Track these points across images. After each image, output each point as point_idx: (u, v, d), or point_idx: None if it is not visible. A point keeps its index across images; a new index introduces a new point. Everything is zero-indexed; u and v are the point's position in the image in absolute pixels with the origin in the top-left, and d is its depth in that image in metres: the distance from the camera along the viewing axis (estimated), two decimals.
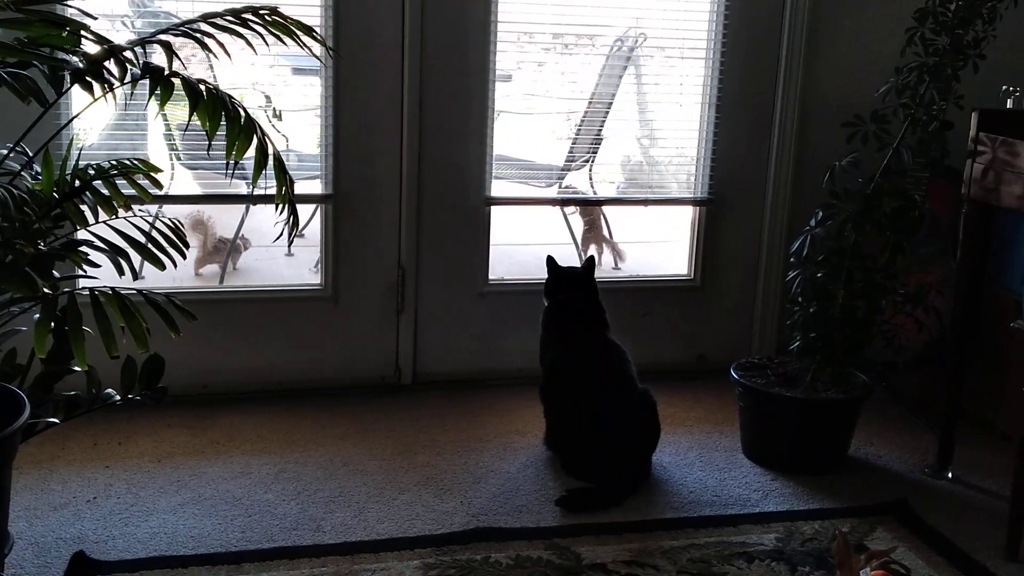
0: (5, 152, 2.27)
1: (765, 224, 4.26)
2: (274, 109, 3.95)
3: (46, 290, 1.95)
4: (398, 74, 3.79)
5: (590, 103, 4.78)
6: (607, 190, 4.98)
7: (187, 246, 2.25)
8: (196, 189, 4.45)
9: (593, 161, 4.94)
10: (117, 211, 2.13)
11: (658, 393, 3.62)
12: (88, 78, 1.91)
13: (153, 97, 1.86)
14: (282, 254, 5.43)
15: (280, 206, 2.21)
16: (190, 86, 1.96)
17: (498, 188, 4.24)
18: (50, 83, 2.04)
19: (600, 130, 4.85)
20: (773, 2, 4.09)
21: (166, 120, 4.39)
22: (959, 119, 3.42)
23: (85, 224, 2.08)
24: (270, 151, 2.10)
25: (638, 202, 4.45)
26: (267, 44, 2.12)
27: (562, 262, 3.64)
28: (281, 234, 2.29)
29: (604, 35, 4.53)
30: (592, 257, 3.68)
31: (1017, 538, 3.01)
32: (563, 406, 3.45)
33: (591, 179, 5.00)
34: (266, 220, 5.25)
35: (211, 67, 4.54)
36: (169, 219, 2.28)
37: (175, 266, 2.23)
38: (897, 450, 3.71)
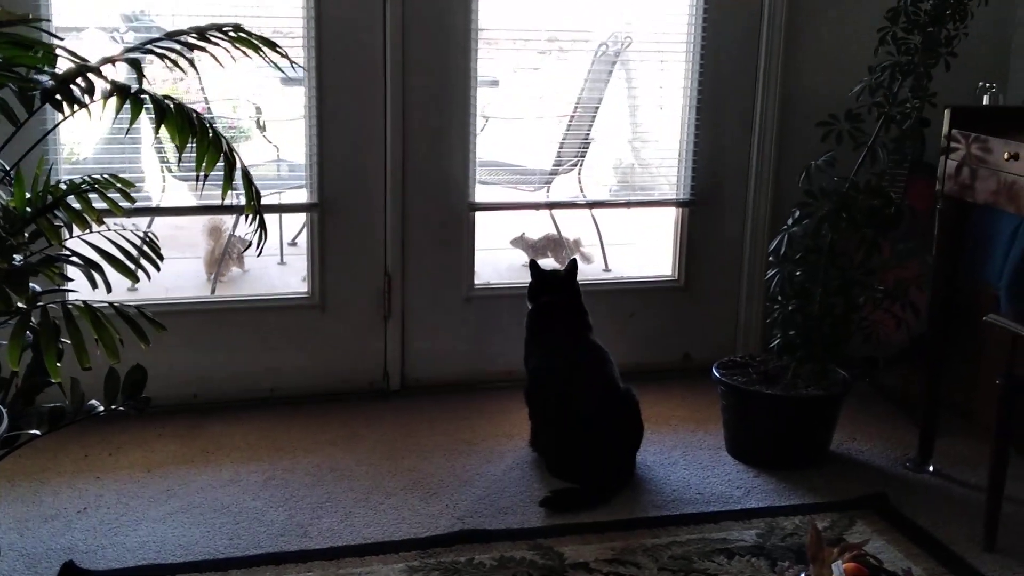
0: None
1: (747, 224, 4.30)
2: (257, 120, 3.99)
3: (20, 304, 2.00)
4: (381, 82, 3.83)
5: (576, 107, 4.83)
6: (600, 193, 5.01)
7: (162, 259, 2.29)
8: (191, 200, 4.50)
9: (582, 164, 4.98)
10: (90, 226, 2.18)
11: (644, 393, 3.67)
12: (58, 96, 1.95)
13: (118, 112, 1.91)
14: (275, 263, 5.48)
15: (249, 217, 2.26)
16: (157, 102, 2.01)
17: (484, 193, 4.29)
18: (21, 102, 2.09)
19: (588, 134, 4.89)
20: (752, 4, 4.12)
21: (157, 133, 4.44)
22: (932, 116, 3.47)
23: (59, 239, 2.12)
24: (237, 164, 2.14)
25: (621, 204, 4.50)
26: (234, 59, 2.17)
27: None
28: (250, 244, 2.33)
29: (588, 40, 4.57)
30: (574, 260, 3.72)
31: (994, 529, 3.05)
32: (547, 408, 3.49)
33: (580, 182, 5.04)
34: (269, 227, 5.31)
35: (199, 80, 4.61)
36: (143, 232, 2.33)
37: (148, 278, 2.27)
38: (879, 445, 3.74)
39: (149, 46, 2.13)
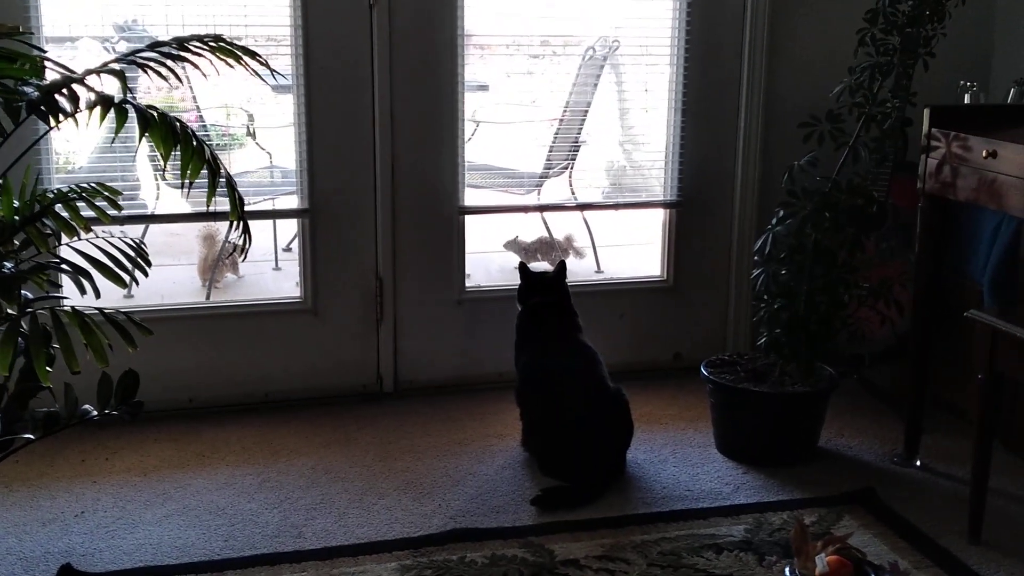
0: None
1: (734, 224, 4.35)
2: (247, 128, 4.03)
3: (10, 311, 2.04)
4: (369, 88, 3.88)
5: (565, 111, 4.87)
6: (592, 195, 5.05)
7: (149, 264, 2.34)
8: (185, 208, 4.54)
9: (572, 167, 5.02)
10: (79, 233, 2.22)
11: (635, 392, 3.71)
12: (43, 107, 2.00)
13: (102, 122, 1.95)
14: (269, 269, 5.53)
15: (233, 223, 2.30)
16: (140, 112, 2.05)
17: (473, 197, 4.33)
18: (7, 113, 2.14)
19: (578, 137, 4.93)
20: (734, 6, 4.17)
21: (150, 142, 4.48)
22: (913, 116, 3.51)
23: (47, 247, 2.17)
24: (222, 172, 2.19)
25: (609, 207, 4.55)
26: (216, 69, 2.22)
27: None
28: (235, 249, 2.38)
29: (576, 44, 4.61)
30: (563, 261, 3.77)
31: (979, 522, 3.09)
32: (537, 408, 3.53)
33: (571, 185, 5.08)
34: (260, 234, 5.37)
35: (191, 89, 4.66)
36: (131, 239, 2.38)
37: (136, 284, 2.32)
38: (867, 440, 3.78)
39: (132, 57, 2.18)
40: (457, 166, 4.05)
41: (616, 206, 4.49)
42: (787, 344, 3.54)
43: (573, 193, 5.03)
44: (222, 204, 2.38)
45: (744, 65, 4.20)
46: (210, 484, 3.38)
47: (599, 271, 5.40)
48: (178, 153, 2.16)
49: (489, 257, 5.36)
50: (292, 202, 4.05)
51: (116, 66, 2.08)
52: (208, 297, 4.87)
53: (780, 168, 3.68)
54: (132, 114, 2.10)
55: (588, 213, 5.33)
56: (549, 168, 4.95)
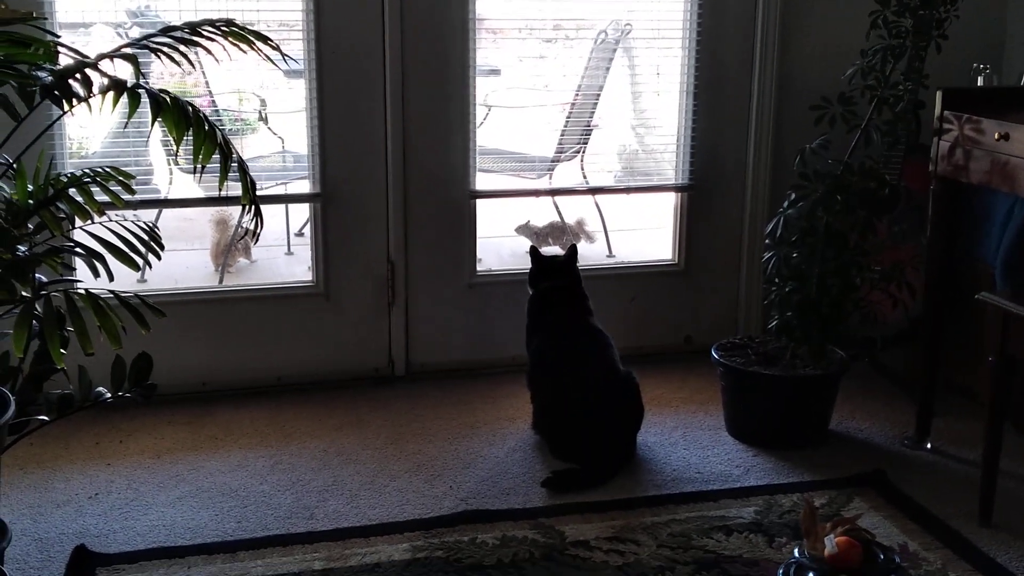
0: None
1: (746, 207, 4.34)
2: (260, 112, 4.05)
3: (24, 293, 2.07)
4: (380, 73, 3.88)
5: (577, 94, 4.87)
6: (604, 179, 5.06)
7: (162, 247, 2.36)
8: (198, 192, 4.56)
9: (584, 151, 5.03)
10: (92, 217, 2.24)
11: (646, 375, 3.72)
12: (56, 92, 2.01)
13: (114, 106, 1.97)
14: (282, 253, 5.55)
15: (245, 207, 2.32)
16: (153, 96, 2.07)
17: (484, 181, 4.34)
18: (21, 98, 2.15)
19: (590, 121, 4.93)
20: None
21: (163, 127, 4.50)
22: (926, 98, 3.50)
23: (61, 230, 2.19)
24: (234, 156, 2.20)
25: (620, 190, 4.55)
26: (228, 53, 2.23)
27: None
28: (247, 232, 2.40)
29: (588, 28, 4.61)
30: (574, 245, 3.77)
31: (989, 504, 3.09)
32: (548, 391, 3.54)
33: (583, 169, 5.08)
34: (272, 219, 5.40)
35: (204, 74, 4.67)
36: (144, 223, 2.39)
37: (149, 267, 2.34)
38: (878, 423, 3.79)
39: (144, 42, 2.19)
40: (468, 150, 4.06)
41: (628, 190, 4.50)
42: (798, 327, 3.54)
43: (585, 177, 5.03)
44: (235, 189, 2.40)
45: (756, 48, 4.19)
46: (223, 466, 3.41)
47: (610, 255, 5.41)
48: (190, 137, 2.18)
49: (500, 241, 5.37)
50: (304, 187, 4.06)
51: (129, 51, 2.10)
52: (221, 281, 4.89)
53: (792, 151, 3.68)
54: (145, 99, 2.11)
55: (600, 197, 5.34)
56: (561, 152, 4.96)
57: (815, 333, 3.54)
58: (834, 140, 3.52)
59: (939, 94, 3.39)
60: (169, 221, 5.31)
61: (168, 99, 2.10)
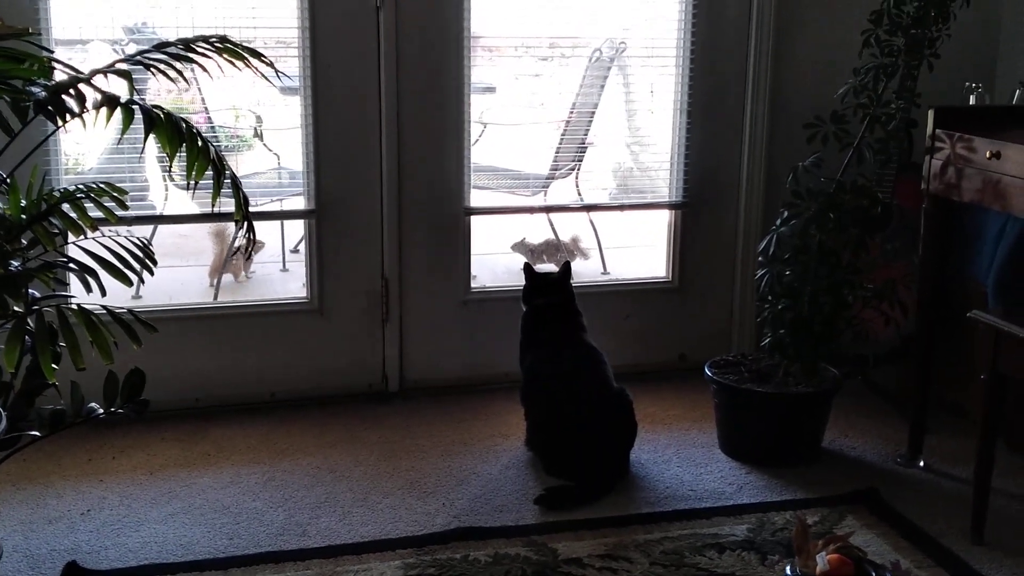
0: None
1: (739, 225, 4.36)
2: (255, 129, 4.06)
3: (16, 308, 2.07)
4: (375, 90, 3.90)
5: (572, 112, 4.89)
6: (599, 197, 5.07)
7: (155, 263, 2.36)
8: (193, 209, 4.57)
9: (579, 169, 5.04)
10: (85, 232, 2.25)
11: (640, 393, 3.73)
12: (50, 107, 2.02)
13: (108, 121, 1.97)
14: (277, 270, 5.56)
15: (239, 222, 2.32)
16: (146, 112, 2.08)
17: (479, 198, 4.35)
18: (15, 113, 2.16)
19: (584, 138, 4.95)
20: (740, 8, 4.18)
21: (158, 143, 4.51)
22: (917, 117, 3.52)
23: (53, 246, 2.19)
24: (226, 172, 2.21)
25: (614, 208, 4.56)
26: (221, 69, 2.24)
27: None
28: (239, 248, 2.40)
29: (583, 46, 4.63)
30: (568, 262, 3.78)
31: (982, 522, 3.09)
32: (541, 408, 3.55)
33: (578, 186, 5.09)
34: (268, 236, 5.41)
35: (199, 90, 4.68)
36: (137, 238, 2.40)
37: (143, 282, 2.34)
38: (871, 441, 3.79)
39: (138, 58, 2.20)
40: (463, 167, 4.07)
41: (622, 207, 4.51)
42: (791, 345, 3.55)
43: (579, 194, 5.04)
44: (228, 205, 2.40)
45: (749, 66, 4.21)
46: (216, 483, 3.40)
47: (605, 272, 5.42)
48: (184, 153, 2.18)
49: (495, 258, 5.38)
50: (299, 203, 4.07)
51: (123, 67, 2.11)
52: (216, 297, 4.89)
53: (785, 169, 3.69)
54: (138, 115, 2.12)
55: (594, 215, 5.35)
56: (556, 169, 4.97)
57: (808, 351, 3.55)
58: (827, 158, 3.53)
59: (931, 112, 3.41)
60: (165, 237, 5.33)
61: (161, 114, 2.11)
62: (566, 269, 3.72)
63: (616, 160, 4.96)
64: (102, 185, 2.36)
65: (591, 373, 3.52)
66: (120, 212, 2.42)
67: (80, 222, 2.24)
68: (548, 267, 5.19)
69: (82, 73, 2.17)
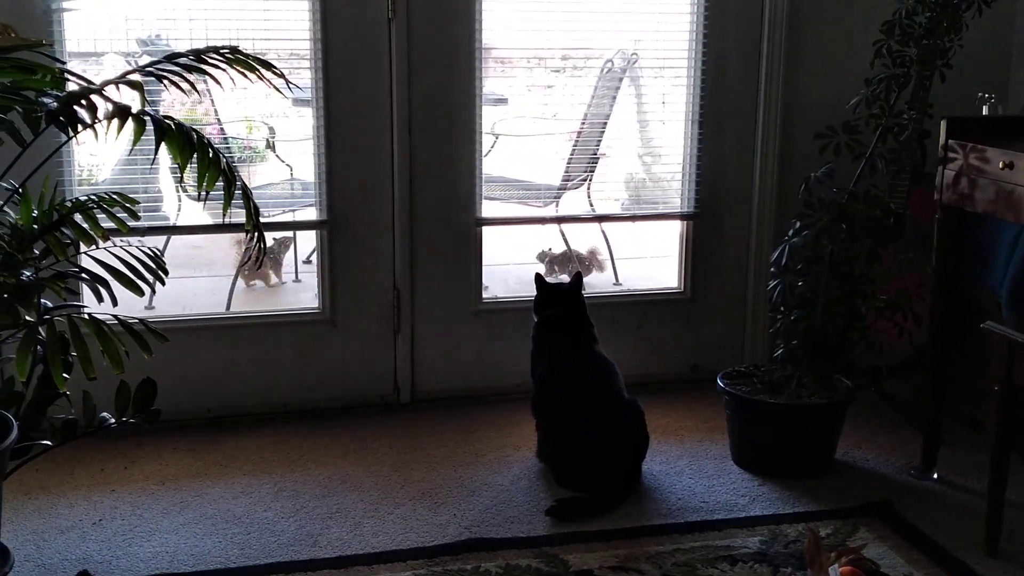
0: None
1: (752, 235, 4.35)
2: (267, 140, 4.07)
3: (28, 318, 2.08)
4: (387, 101, 3.91)
5: (583, 123, 4.89)
6: (611, 207, 5.07)
7: (166, 273, 2.37)
8: (206, 220, 4.59)
9: (591, 180, 5.04)
10: (97, 242, 2.26)
11: (653, 404, 3.72)
12: (62, 118, 2.03)
13: (119, 132, 1.98)
14: (290, 280, 5.57)
15: (249, 233, 2.33)
16: (157, 122, 2.09)
17: (491, 209, 4.35)
18: (27, 124, 2.17)
19: (596, 149, 4.95)
20: (752, 18, 4.18)
21: (170, 153, 4.52)
22: (930, 127, 3.51)
23: (65, 255, 2.20)
24: (237, 182, 2.22)
25: (626, 218, 4.56)
26: (232, 80, 2.25)
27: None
28: (249, 258, 2.41)
29: (594, 58, 4.64)
30: (579, 273, 3.78)
31: (996, 534, 3.07)
32: (553, 418, 3.54)
33: (590, 197, 5.09)
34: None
35: (212, 101, 4.70)
36: (149, 248, 2.41)
37: (153, 291, 2.34)
38: (884, 453, 3.77)
39: (150, 68, 2.21)
40: (474, 178, 4.07)
41: (633, 218, 4.51)
42: (804, 356, 3.54)
43: (591, 205, 5.04)
44: (239, 216, 2.41)
45: (761, 77, 4.21)
46: (227, 493, 3.40)
47: (617, 283, 5.41)
48: (195, 164, 2.19)
49: (507, 269, 5.38)
50: (311, 214, 4.08)
51: (134, 77, 2.12)
52: (228, 308, 4.90)
53: (797, 179, 3.68)
54: (150, 125, 2.13)
55: (606, 225, 5.35)
56: (568, 180, 4.97)
57: (821, 362, 3.54)
58: (839, 169, 3.52)
59: (944, 123, 3.40)
60: (178, 249, 5.35)
61: (172, 125, 2.12)
62: (577, 280, 3.72)
63: (628, 171, 4.96)
64: (114, 195, 2.37)
65: (602, 384, 3.51)
66: (132, 223, 2.43)
67: (92, 232, 2.25)
68: (565, 278, 5.19)
69: (94, 84, 2.18)
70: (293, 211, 4.66)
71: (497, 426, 3.95)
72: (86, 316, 2.12)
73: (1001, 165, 3.15)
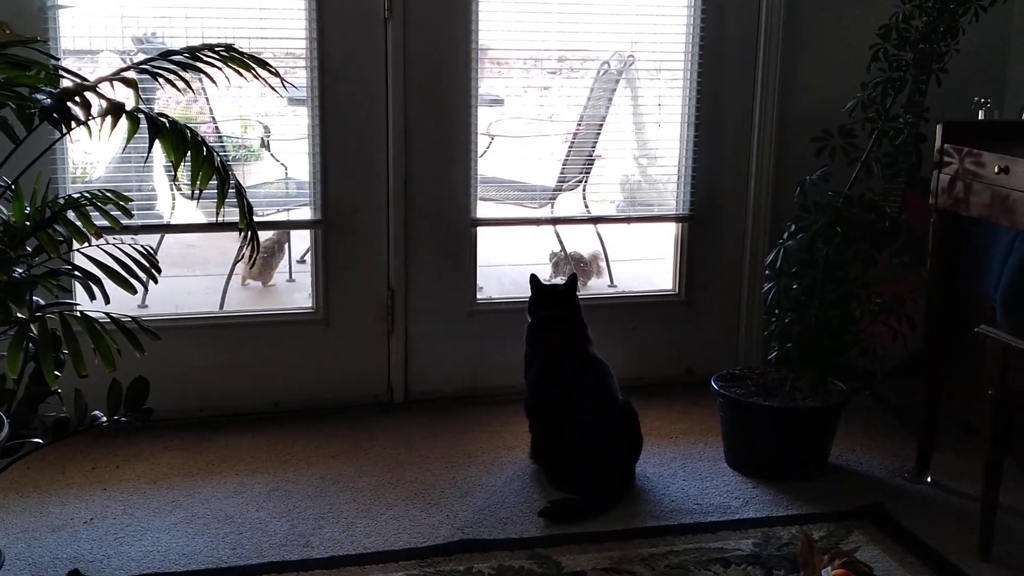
0: None
1: (747, 238, 4.35)
2: (262, 139, 4.06)
3: (20, 315, 2.07)
4: (383, 101, 3.90)
5: (579, 125, 4.89)
6: (606, 209, 5.07)
7: (159, 271, 2.36)
8: (200, 218, 4.58)
9: (587, 181, 5.03)
10: (89, 239, 2.25)
11: (647, 406, 3.71)
12: (55, 114, 2.03)
13: (113, 129, 1.97)
14: (284, 280, 5.56)
15: (242, 231, 2.32)
16: (151, 120, 2.08)
17: (486, 210, 4.35)
18: (20, 120, 2.17)
19: (592, 151, 4.94)
20: (748, 21, 4.18)
21: (164, 151, 4.51)
22: (925, 131, 3.51)
23: (57, 252, 2.19)
24: (231, 180, 2.21)
25: (621, 220, 4.56)
26: (227, 78, 2.24)
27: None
28: (242, 256, 2.40)
29: (591, 60, 4.63)
30: (574, 275, 3.78)
31: (989, 539, 3.07)
32: (546, 420, 3.53)
33: (585, 199, 5.09)
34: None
35: (207, 100, 4.69)
36: (141, 246, 2.40)
37: (146, 289, 2.34)
38: (878, 456, 3.77)
39: (144, 66, 2.20)
40: (470, 179, 4.07)
41: (628, 219, 4.51)
42: (798, 359, 3.54)
43: (587, 207, 5.04)
44: (233, 215, 2.40)
45: (757, 79, 4.21)
46: (219, 492, 3.39)
47: (612, 285, 5.41)
48: (189, 162, 2.18)
49: (502, 270, 5.38)
50: (306, 214, 4.07)
51: (129, 75, 2.11)
52: (222, 307, 4.89)
53: (792, 182, 3.69)
54: (144, 123, 2.12)
55: (601, 227, 5.34)
56: (563, 182, 4.97)
57: (815, 365, 3.53)
58: (834, 172, 3.52)
59: (939, 127, 3.40)
60: (172, 247, 5.33)
61: (166, 122, 2.11)
62: (572, 281, 3.71)
63: (624, 173, 4.96)
64: (107, 193, 2.36)
65: (596, 385, 3.50)
66: (125, 220, 2.42)
67: (85, 229, 2.24)
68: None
69: (88, 81, 2.17)
70: (288, 210, 4.65)
71: (491, 427, 3.95)
72: (78, 314, 2.11)
73: (996, 169, 3.15)
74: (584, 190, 5.03)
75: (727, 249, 4.38)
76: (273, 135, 5.10)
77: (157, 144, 2.16)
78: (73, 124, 2.06)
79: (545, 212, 4.94)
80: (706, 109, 4.23)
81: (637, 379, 4.20)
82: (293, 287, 5.47)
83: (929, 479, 3.56)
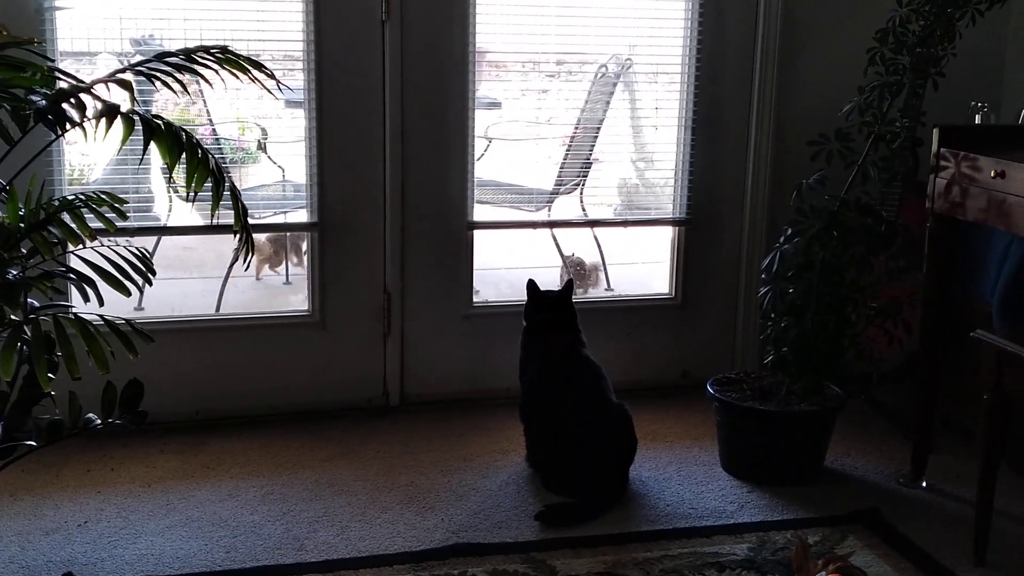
0: None
1: (744, 242, 4.35)
2: (259, 142, 4.06)
3: (13, 317, 2.06)
4: (380, 104, 3.90)
5: (576, 128, 4.88)
6: (603, 212, 5.06)
7: (154, 273, 2.35)
8: (197, 221, 4.57)
9: (584, 184, 5.03)
10: (84, 241, 2.24)
11: (643, 410, 3.71)
12: (50, 116, 2.02)
13: (107, 131, 1.97)
14: (280, 283, 5.56)
15: (237, 233, 2.32)
16: (146, 122, 2.07)
17: (483, 213, 4.35)
18: (15, 122, 2.16)
19: (590, 154, 4.94)
20: (745, 25, 4.19)
21: (160, 153, 4.50)
22: (922, 136, 3.51)
23: (51, 254, 2.19)
24: (226, 182, 2.21)
25: (618, 223, 4.55)
26: (223, 80, 2.24)
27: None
28: (236, 259, 2.39)
29: (589, 63, 4.63)
30: (571, 280, 3.78)
31: (984, 543, 3.07)
32: (541, 423, 3.53)
33: (582, 202, 5.09)
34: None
35: (204, 102, 4.69)
36: (136, 248, 2.39)
37: (140, 292, 2.33)
38: (874, 460, 3.77)
39: (139, 67, 2.20)
40: (467, 182, 4.07)
41: (625, 223, 4.51)
42: (794, 363, 3.53)
43: (584, 210, 5.04)
44: (228, 217, 2.40)
45: (754, 83, 4.21)
46: (214, 496, 3.39)
47: (608, 288, 5.40)
48: (185, 164, 2.18)
49: (499, 273, 5.38)
50: (302, 216, 4.07)
51: (124, 76, 2.11)
52: (218, 309, 4.88)
53: (789, 186, 3.69)
54: (139, 124, 2.11)
55: (598, 230, 5.34)
56: (560, 185, 4.96)
57: (811, 369, 3.53)
58: (831, 176, 3.52)
59: (936, 131, 3.40)
60: (168, 250, 5.33)
61: (162, 124, 2.11)
62: (568, 286, 3.71)
63: (621, 176, 4.95)
64: (102, 195, 2.35)
65: (591, 389, 3.50)
66: (121, 223, 2.41)
67: (79, 231, 2.23)
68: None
69: (83, 82, 2.17)
70: (285, 213, 4.65)
71: (486, 431, 3.94)
72: (72, 316, 2.11)
73: (993, 174, 3.15)
74: (581, 193, 5.02)
75: (724, 253, 4.38)
76: (270, 137, 5.10)
77: (153, 146, 2.16)
78: (68, 126, 2.05)
79: (542, 215, 4.93)
80: (703, 113, 4.23)
81: (633, 382, 4.19)
82: (289, 289, 5.47)
83: (924, 483, 3.56)
